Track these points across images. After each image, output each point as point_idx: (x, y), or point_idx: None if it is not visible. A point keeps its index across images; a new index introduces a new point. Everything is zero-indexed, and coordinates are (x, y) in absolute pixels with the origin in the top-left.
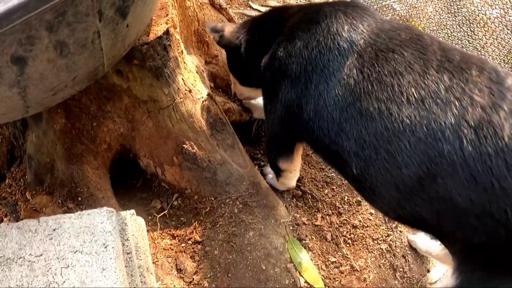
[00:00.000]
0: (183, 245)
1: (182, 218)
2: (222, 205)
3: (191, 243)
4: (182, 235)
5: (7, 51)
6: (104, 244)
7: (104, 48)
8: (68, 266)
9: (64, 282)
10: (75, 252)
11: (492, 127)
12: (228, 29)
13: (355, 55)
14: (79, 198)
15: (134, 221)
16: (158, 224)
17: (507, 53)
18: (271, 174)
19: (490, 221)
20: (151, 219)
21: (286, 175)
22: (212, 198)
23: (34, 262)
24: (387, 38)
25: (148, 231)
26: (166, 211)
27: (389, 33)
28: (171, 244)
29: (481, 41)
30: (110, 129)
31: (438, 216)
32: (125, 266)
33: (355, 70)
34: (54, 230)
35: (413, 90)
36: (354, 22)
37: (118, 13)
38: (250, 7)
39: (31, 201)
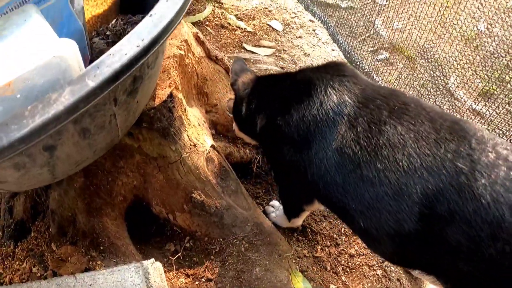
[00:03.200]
0: (197, 282)
1: (194, 258)
2: (230, 245)
3: (204, 280)
4: (196, 273)
5: (39, 143)
6: None
7: (119, 124)
8: None
9: None
10: None
11: (472, 191)
12: (242, 79)
13: (349, 126)
14: (101, 247)
15: (154, 268)
16: (174, 265)
17: (495, 69)
18: (274, 213)
19: (474, 257)
20: (166, 260)
21: (300, 219)
22: (221, 239)
23: None
24: (376, 108)
25: (165, 272)
26: (180, 253)
27: (377, 102)
28: (186, 283)
29: (470, 57)
30: (124, 183)
31: (430, 259)
32: None
33: (351, 142)
34: (90, 285)
35: (406, 159)
36: (343, 95)
37: (130, 95)
38: (244, 49)
39: (56, 252)
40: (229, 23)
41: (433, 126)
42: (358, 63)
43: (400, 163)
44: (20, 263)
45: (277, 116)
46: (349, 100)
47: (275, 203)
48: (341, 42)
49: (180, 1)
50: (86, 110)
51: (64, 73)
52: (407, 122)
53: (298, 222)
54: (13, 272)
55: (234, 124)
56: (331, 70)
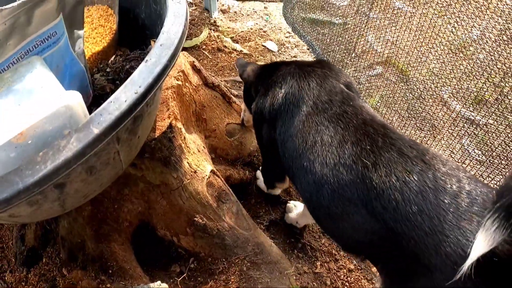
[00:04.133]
0: None
1: (199, 278)
2: (233, 264)
3: None
4: None
5: (53, 182)
6: None
7: (122, 159)
8: None
9: None
10: None
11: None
12: (250, 67)
13: (302, 118)
14: (110, 271)
15: None
16: (179, 286)
17: (488, 77)
18: (261, 178)
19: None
20: (172, 281)
21: (276, 190)
22: (224, 260)
23: None
24: (323, 109)
25: None
26: (185, 274)
27: (325, 106)
28: None
29: (462, 66)
30: (130, 209)
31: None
32: None
33: (299, 133)
34: None
35: (331, 155)
36: (304, 90)
37: (132, 133)
38: None
39: (67, 276)
40: (225, 46)
41: (355, 130)
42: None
43: (326, 158)
44: None
45: (260, 99)
46: (307, 97)
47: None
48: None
49: (173, 46)
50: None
51: (70, 119)
52: (338, 127)
53: (276, 192)
54: None
55: (242, 113)
56: (310, 67)
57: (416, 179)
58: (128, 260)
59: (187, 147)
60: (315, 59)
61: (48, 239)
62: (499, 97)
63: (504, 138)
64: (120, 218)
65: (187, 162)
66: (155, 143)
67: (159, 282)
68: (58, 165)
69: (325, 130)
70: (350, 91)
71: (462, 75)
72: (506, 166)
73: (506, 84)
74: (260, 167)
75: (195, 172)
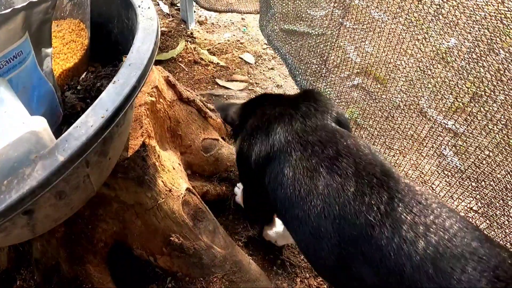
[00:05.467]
0: None
1: None
2: (211, 284)
3: None
4: None
5: (19, 212)
6: None
7: (93, 182)
8: None
9: None
10: None
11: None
12: (232, 110)
13: (290, 166)
14: None
15: None
16: None
17: (465, 83)
18: (239, 194)
19: None
20: None
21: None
22: (201, 279)
23: None
24: (313, 154)
25: None
26: None
27: (315, 148)
28: None
29: (441, 74)
30: (104, 229)
31: None
32: None
33: (289, 182)
34: None
35: (328, 207)
36: (290, 136)
37: (102, 155)
38: (217, 84)
39: None
40: (202, 58)
41: (356, 179)
42: (327, 93)
43: (321, 210)
44: None
45: (244, 142)
46: (294, 140)
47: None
48: (299, 79)
49: (142, 65)
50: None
51: (36, 144)
52: (334, 173)
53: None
54: None
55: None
56: (294, 104)
57: (425, 245)
58: (104, 281)
59: (162, 165)
60: (299, 89)
61: (21, 261)
62: (468, 117)
63: (474, 160)
64: (95, 239)
65: (162, 181)
66: (128, 162)
67: None
68: (23, 195)
69: (319, 177)
70: (341, 124)
71: (442, 83)
72: (476, 189)
73: (475, 105)
74: (238, 184)
75: (170, 190)
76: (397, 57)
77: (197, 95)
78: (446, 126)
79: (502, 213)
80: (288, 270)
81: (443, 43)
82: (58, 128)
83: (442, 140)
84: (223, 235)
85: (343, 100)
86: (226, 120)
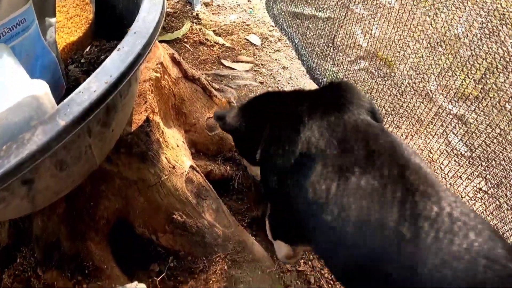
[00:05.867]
0: None
1: (179, 278)
2: (213, 263)
3: None
4: None
5: (18, 177)
6: None
7: (95, 153)
8: None
9: None
10: None
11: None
12: (230, 115)
13: (322, 166)
14: (86, 271)
15: None
16: (158, 286)
17: (472, 68)
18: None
19: None
20: (151, 281)
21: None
22: (204, 258)
23: None
24: (348, 153)
25: None
26: (164, 273)
27: (351, 146)
28: None
29: (447, 61)
30: (107, 206)
31: None
32: None
33: (320, 183)
34: None
35: (356, 214)
36: (324, 133)
37: (104, 125)
38: (223, 65)
39: (43, 277)
40: (207, 39)
41: (393, 185)
42: (334, 74)
43: (352, 216)
44: None
45: (266, 147)
46: (326, 139)
47: None
48: (305, 59)
49: (147, 34)
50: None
51: (37, 110)
52: (368, 177)
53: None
54: None
55: (248, 168)
56: (323, 99)
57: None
58: (106, 259)
59: (165, 141)
60: (306, 70)
61: (22, 238)
62: (479, 94)
63: (485, 138)
64: (97, 216)
65: (165, 157)
66: (131, 137)
67: (136, 282)
68: (22, 160)
69: (352, 179)
70: (375, 118)
71: (448, 69)
72: (486, 168)
73: (488, 81)
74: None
75: (173, 167)
76: (404, 40)
77: (202, 74)
78: (456, 104)
79: None
80: None
81: (453, 24)
82: (61, 100)
83: (452, 118)
84: (226, 214)
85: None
86: (225, 129)
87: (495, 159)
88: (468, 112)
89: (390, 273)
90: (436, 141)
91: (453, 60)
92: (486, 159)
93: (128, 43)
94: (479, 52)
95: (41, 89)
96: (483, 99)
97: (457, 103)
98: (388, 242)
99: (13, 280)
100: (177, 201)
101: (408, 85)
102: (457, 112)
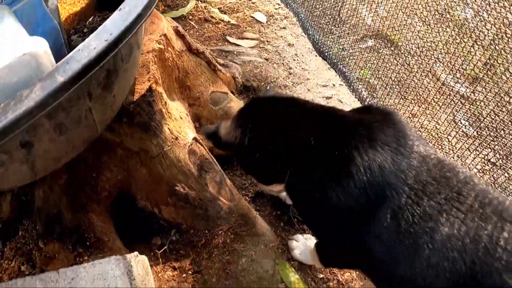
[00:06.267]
0: (184, 275)
1: (181, 251)
2: (216, 236)
3: (191, 273)
4: (183, 266)
5: (16, 138)
6: (115, 287)
7: (96, 119)
8: None
9: None
10: None
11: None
12: (222, 128)
13: (391, 214)
14: (88, 243)
15: (138, 262)
16: (160, 259)
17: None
18: (298, 250)
19: None
20: (153, 254)
21: None
22: (206, 231)
23: None
24: (425, 196)
25: (151, 266)
26: (166, 246)
27: (429, 188)
28: (173, 276)
29: (455, 42)
30: (108, 178)
31: None
32: None
33: (391, 233)
34: (72, 279)
35: (449, 264)
36: (391, 175)
37: (105, 89)
38: (228, 41)
39: (44, 249)
40: (212, 17)
41: (486, 228)
42: (336, 52)
43: (440, 268)
44: (9, 262)
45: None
46: (395, 177)
47: (299, 236)
48: (311, 32)
49: None
50: (59, 104)
51: (36, 70)
52: (452, 225)
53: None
54: (2, 272)
55: (259, 185)
56: (375, 133)
57: None
58: (107, 231)
59: (168, 112)
60: (312, 44)
61: (24, 211)
62: (488, 61)
63: (493, 107)
64: (99, 187)
65: (168, 128)
66: (133, 107)
67: (136, 252)
68: (19, 115)
69: (437, 225)
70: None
71: (456, 50)
72: (494, 139)
73: (495, 48)
74: (295, 236)
75: (176, 138)
76: (415, 22)
77: (206, 48)
78: (465, 72)
79: None
80: (295, 226)
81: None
82: None
83: (460, 87)
84: (230, 187)
85: (357, 59)
86: (220, 146)
87: (504, 129)
88: (477, 80)
89: None
90: (444, 111)
91: (460, 26)
92: (494, 129)
93: (129, 4)
94: (488, 17)
95: (40, 46)
96: (491, 67)
97: (465, 71)
98: None
99: (15, 253)
100: (179, 172)
101: (415, 62)
102: (465, 80)
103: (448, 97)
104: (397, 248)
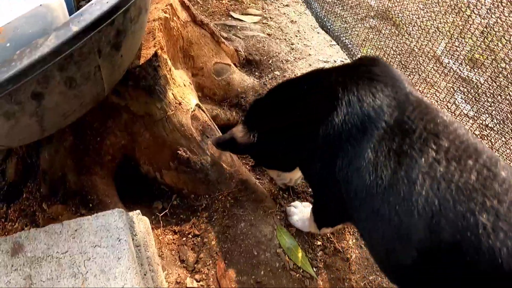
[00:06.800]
0: (184, 239)
1: (181, 216)
2: (216, 201)
3: (191, 236)
4: (183, 230)
5: (28, 89)
6: (118, 238)
7: (104, 77)
8: (90, 258)
9: (87, 272)
10: (94, 247)
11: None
12: (237, 134)
13: (372, 148)
14: (90, 205)
15: (140, 220)
16: (161, 222)
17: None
18: (296, 216)
19: None
20: (154, 218)
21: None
22: (207, 196)
23: (61, 258)
24: (402, 133)
25: (152, 229)
26: (167, 210)
27: (404, 127)
28: (173, 239)
29: (459, 26)
30: (113, 142)
31: None
32: (136, 257)
33: (370, 166)
34: (75, 230)
35: (422, 201)
36: (369, 110)
37: (114, 48)
38: (231, 17)
39: (47, 211)
40: None
41: (460, 167)
42: (338, 31)
43: (412, 203)
44: (13, 224)
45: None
46: (376, 114)
47: (297, 203)
48: (314, 7)
49: None
50: (71, 56)
51: (51, 24)
52: (431, 158)
53: (327, 231)
54: (6, 233)
55: (276, 179)
56: (358, 73)
57: None
58: (110, 194)
59: (173, 78)
60: (316, 19)
61: (29, 174)
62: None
63: (491, 73)
64: (103, 151)
65: (172, 93)
66: (139, 70)
67: (138, 211)
68: (34, 61)
69: (412, 162)
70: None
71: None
72: (492, 104)
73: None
74: (293, 203)
75: (179, 103)
76: (417, 4)
77: (210, 22)
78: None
79: None
80: (294, 194)
81: None
82: None
83: (459, 55)
84: (230, 153)
85: (359, 35)
86: (239, 151)
87: (501, 94)
88: (474, 47)
89: (463, 262)
90: (443, 79)
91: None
92: (492, 95)
93: None
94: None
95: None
96: (488, 34)
97: (463, 40)
98: (460, 230)
99: (19, 214)
100: (182, 137)
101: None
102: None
103: (447, 64)
104: (374, 182)
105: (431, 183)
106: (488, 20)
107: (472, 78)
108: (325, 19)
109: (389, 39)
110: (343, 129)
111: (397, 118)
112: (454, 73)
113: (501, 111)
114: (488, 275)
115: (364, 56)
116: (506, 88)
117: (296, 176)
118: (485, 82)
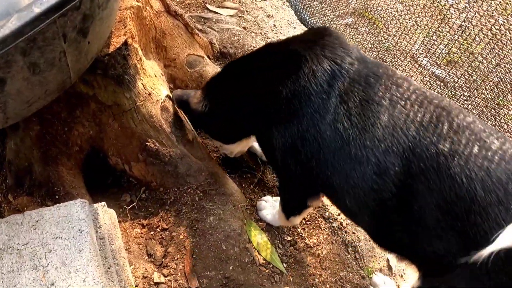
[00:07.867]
0: (152, 232)
1: (150, 209)
2: (185, 194)
3: (159, 230)
4: (151, 224)
5: None
6: (79, 229)
7: (70, 64)
8: (51, 250)
9: (48, 264)
10: (56, 238)
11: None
12: (193, 98)
13: (340, 101)
14: (57, 197)
15: (105, 212)
16: (129, 216)
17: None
18: (266, 211)
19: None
20: (122, 211)
21: (304, 213)
22: (175, 189)
23: (22, 249)
24: (369, 85)
25: (120, 222)
26: (135, 203)
27: (370, 80)
28: (141, 233)
29: (433, 27)
30: (80, 132)
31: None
32: (99, 250)
33: (343, 117)
34: (37, 221)
35: (393, 140)
36: (334, 68)
37: (80, 33)
38: (207, 9)
39: (13, 202)
40: None
41: (420, 109)
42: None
43: (386, 143)
44: None
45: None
46: (341, 75)
47: (268, 198)
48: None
49: None
50: (34, 40)
51: (14, 5)
52: (397, 104)
53: (297, 220)
54: None
55: (220, 149)
56: (318, 39)
57: (497, 169)
58: (77, 186)
59: (143, 68)
60: (294, 11)
61: None
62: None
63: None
64: (70, 142)
65: (142, 84)
66: (108, 58)
67: (103, 203)
68: None
69: (382, 109)
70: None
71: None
72: (468, 98)
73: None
74: (263, 198)
75: (149, 94)
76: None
77: (185, 13)
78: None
79: (494, 123)
80: (265, 189)
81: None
82: None
83: (436, 49)
84: (200, 146)
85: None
86: (190, 109)
87: (477, 89)
88: (452, 41)
89: (429, 189)
90: (420, 72)
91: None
92: (468, 89)
93: None
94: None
95: None
96: (465, 29)
97: (441, 33)
98: (426, 160)
99: None
100: (151, 128)
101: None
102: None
103: (424, 58)
104: (349, 130)
105: (401, 124)
106: (467, 14)
107: (449, 72)
108: (303, 12)
109: (366, 37)
110: (309, 87)
111: (361, 72)
112: (428, 71)
113: (477, 106)
114: (452, 200)
115: (316, 27)
116: (482, 83)
117: (236, 149)
118: (462, 76)
